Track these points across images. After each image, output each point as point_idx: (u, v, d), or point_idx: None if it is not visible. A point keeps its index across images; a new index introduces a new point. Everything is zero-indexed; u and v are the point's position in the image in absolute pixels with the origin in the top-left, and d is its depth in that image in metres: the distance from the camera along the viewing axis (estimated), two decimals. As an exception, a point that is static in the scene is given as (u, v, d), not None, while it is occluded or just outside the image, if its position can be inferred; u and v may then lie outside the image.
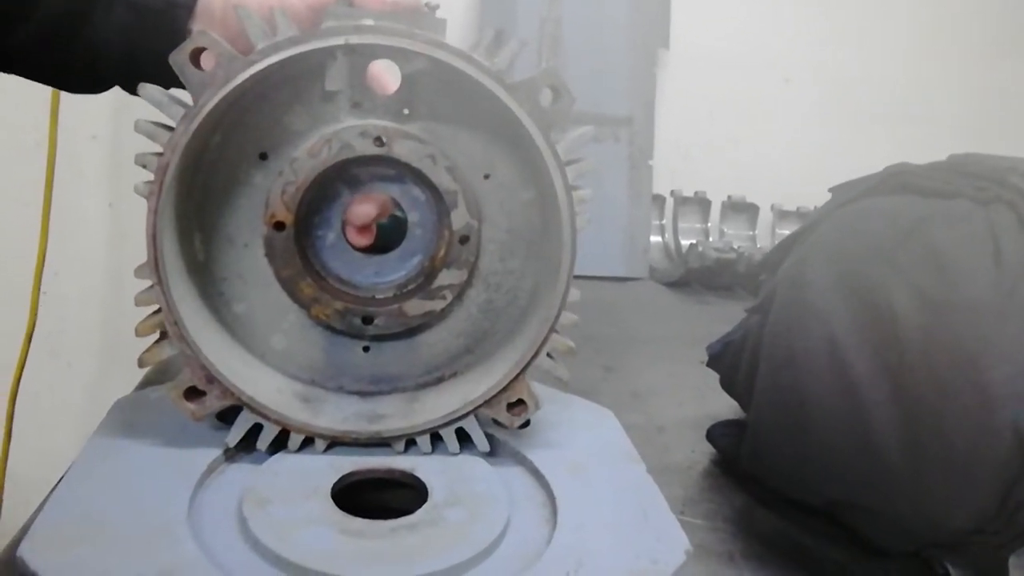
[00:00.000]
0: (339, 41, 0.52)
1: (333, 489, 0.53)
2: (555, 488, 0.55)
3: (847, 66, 1.71)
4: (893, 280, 0.52)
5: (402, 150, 0.56)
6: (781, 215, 1.50)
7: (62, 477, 0.52)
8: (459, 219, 0.58)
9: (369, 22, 0.53)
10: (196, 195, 0.57)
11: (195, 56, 0.51)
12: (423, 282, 0.60)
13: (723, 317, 0.81)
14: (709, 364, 0.78)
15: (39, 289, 1.42)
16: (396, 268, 0.62)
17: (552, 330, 0.58)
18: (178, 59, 0.51)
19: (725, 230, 1.51)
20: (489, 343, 0.62)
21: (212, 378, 0.55)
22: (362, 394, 0.61)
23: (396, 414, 0.59)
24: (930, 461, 0.50)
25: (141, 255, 0.54)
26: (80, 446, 0.56)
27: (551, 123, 0.55)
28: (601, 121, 1.39)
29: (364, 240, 0.59)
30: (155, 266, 0.53)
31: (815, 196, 1.24)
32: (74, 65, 0.63)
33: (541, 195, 0.59)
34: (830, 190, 0.65)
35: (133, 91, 0.56)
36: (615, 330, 1.11)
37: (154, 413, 0.60)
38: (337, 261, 0.61)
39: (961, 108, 1.76)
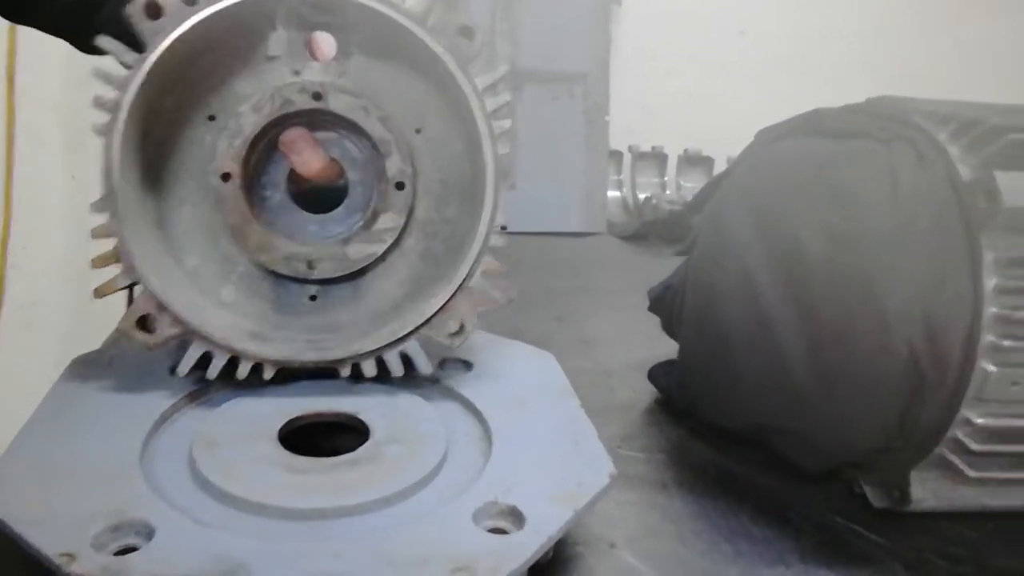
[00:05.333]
0: None
1: (280, 432, 0.56)
2: (491, 423, 0.58)
3: (803, 18, 1.73)
4: (801, 216, 0.55)
5: (337, 103, 0.60)
6: (737, 167, 1.53)
7: (22, 427, 0.54)
8: (393, 166, 0.62)
9: None
10: (150, 152, 0.61)
11: (148, 7, 0.56)
12: (364, 226, 0.64)
13: (676, 267, 0.84)
14: (651, 308, 0.81)
15: (5, 264, 1.43)
16: (339, 223, 0.65)
17: (484, 249, 0.62)
18: (132, 11, 0.56)
19: (682, 183, 1.54)
20: (429, 290, 0.65)
21: (162, 306, 0.58)
22: (310, 342, 0.64)
23: (342, 344, 0.63)
24: (837, 384, 0.54)
25: None
26: None
27: (468, 59, 0.60)
28: (556, 78, 1.41)
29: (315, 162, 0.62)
30: (109, 197, 0.57)
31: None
32: None
33: (470, 147, 0.62)
34: (756, 134, 0.68)
35: (81, 45, 0.62)
36: (570, 283, 1.15)
37: (111, 368, 0.62)
38: (283, 219, 0.64)
39: (922, 61, 1.78)
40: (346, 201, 0.65)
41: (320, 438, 0.60)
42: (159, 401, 0.58)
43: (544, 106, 1.39)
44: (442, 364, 0.67)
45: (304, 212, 0.65)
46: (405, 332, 0.62)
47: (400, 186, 0.62)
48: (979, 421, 0.51)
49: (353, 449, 0.55)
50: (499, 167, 0.61)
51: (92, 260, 0.59)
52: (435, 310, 0.62)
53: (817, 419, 0.56)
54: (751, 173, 0.61)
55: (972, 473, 0.52)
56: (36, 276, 1.58)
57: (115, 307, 1.45)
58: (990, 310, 0.50)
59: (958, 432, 0.52)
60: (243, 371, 0.60)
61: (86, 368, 0.63)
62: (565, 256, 1.29)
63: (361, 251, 0.63)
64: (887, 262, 0.51)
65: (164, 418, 0.57)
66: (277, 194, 0.64)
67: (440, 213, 0.65)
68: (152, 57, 0.56)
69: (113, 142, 0.57)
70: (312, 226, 0.65)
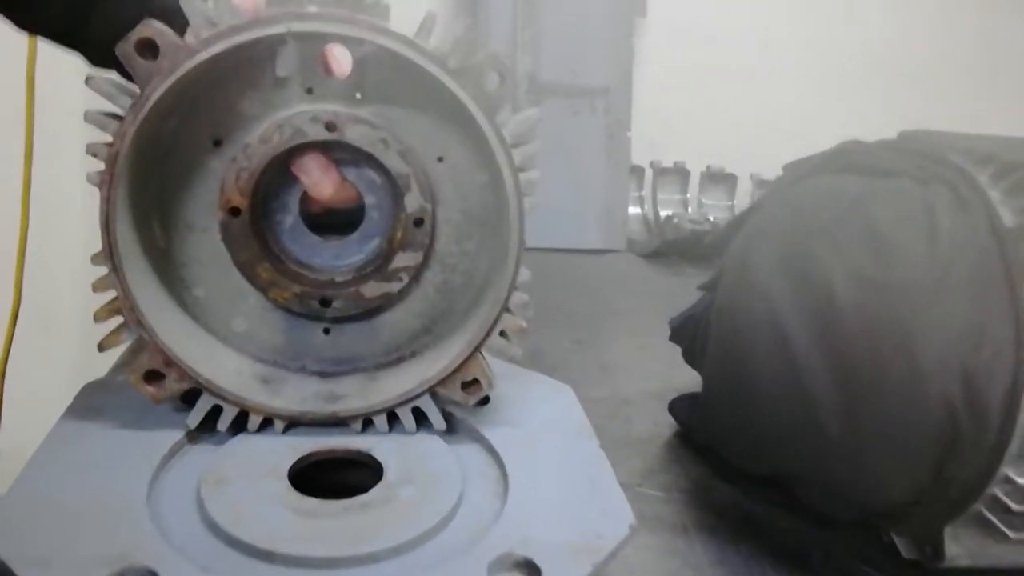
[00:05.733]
0: (281, 29, 0.53)
1: (291, 470, 0.54)
2: (508, 464, 0.56)
3: (826, 31, 1.70)
4: (832, 258, 0.53)
5: (354, 135, 0.57)
6: (760, 184, 1.50)
7: (28, 462, 0.53)
8: (413, 202, 0.59)
9: (313, 8, 0.53)
10: (154, 182, 0.58)
11: (140, 46, 0.52)
12: (380, 264, 0.61)
13: (697, 289, 0.82)
14: (672, 338, 0.79)
15: (23, 266, 1.43)
16: (354, 251, 0.63)
17: (504, 310, 0.59)
18: (124, 49, 0.51)
19: (704, 200, 1.51)
20: (447, 322, 0.63)
21: (170, 361, 0.56)
22: (323, 375, 0.63)
23: (354, 394, 0.60)
24: (868, 435, 0.52)
25: None
26: None
27: (496, 107, 0.56)
28: (578, 92, 1.39)
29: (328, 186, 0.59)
30: (109, 253, 0.55)
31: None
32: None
33: (494, 178, 0.60)
34: (783, 168, 0.66)
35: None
36: (588, 303, 1.13)
37: (120, 397, 0.61)
38: (296, 245, 0.62)
39: (944, 72, 1.75)
40: (362, 226, 0.62)
41: (332, 472, 0.58)
42: (168, 434, 0.57)
43: (565, 120, 1.38)
44: (458, 397, 0.65)
45: (318, 237, 0.62)
46: (419, 392, 0.60)
47: (419, 222, 0.60)
48: (1021, 480, 0.49)
49: (365, 486, 0.53)
50: (523, 224, 0.59)
51: (94, 313, 0.57)
52: (450, 371, 0.59)
53: (846, 470, 0.54)
54: (778, 212, 0.59)
55: (1012, 534, 0.50)
56: (53, 281, 1.58)
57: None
58: (1033, 364, 0.48)
59: (997, 490, 0.50)
60: (253, 425, 0.58)
61: (96, 396, 0.61)
62: (584, 275, 1.27)
63: (376, 290, 0.61)
64: (924, 311, 0.49)
65: (172, 453, 0.56)
66: (289, 217, 0.61)
67: (460, 245, 0.62)
68: (147, 105, 0.52)
69: (111, 196, 0.54)
70: (327, 252, 0.63)
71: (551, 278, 1.23)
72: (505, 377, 0.70)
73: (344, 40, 0.55)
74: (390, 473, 0.55)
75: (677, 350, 0.83)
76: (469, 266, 0.63)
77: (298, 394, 0.60)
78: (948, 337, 0.48)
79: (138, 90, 0.53)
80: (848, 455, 0.53)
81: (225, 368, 0.59)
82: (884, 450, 0.52)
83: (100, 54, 0.60)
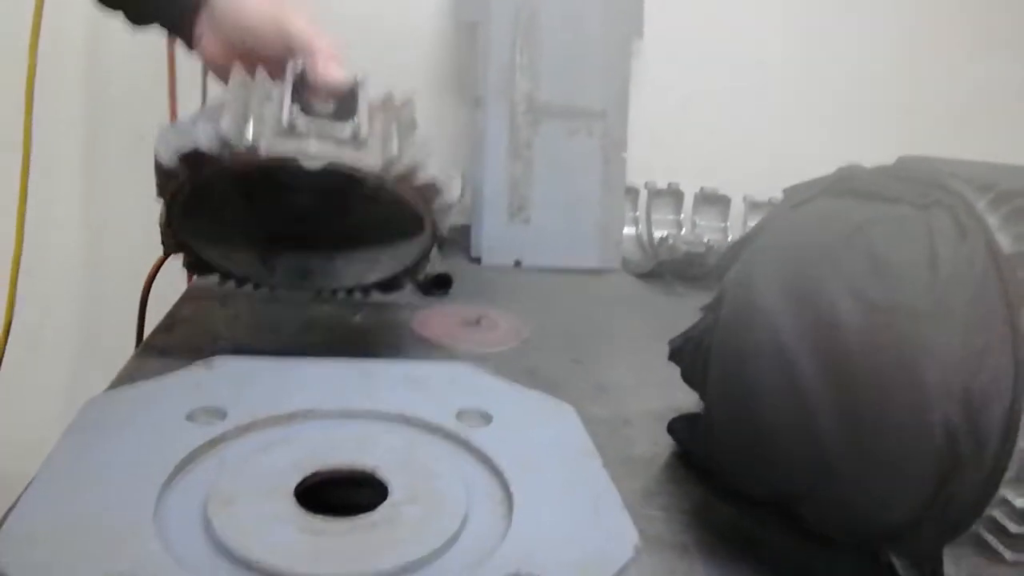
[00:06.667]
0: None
1: (297, 488, 0.55)
2: (512, 484, 0.56)
3: (824, 53, 1.72)
4: (835, 283, 0.54)
5: None
6: (753, 206, 1.52)
7: (33, 479, 0.53)
8: None
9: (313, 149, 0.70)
10: None
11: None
12: None
13: (692, 309, 0.83)
14: (671, 358, 0.80)
15: (16, 284, 1.42)
16: None
17: None
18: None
19: (698, 222, 1.52)
20: None
21: None
22: None
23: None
24: (870, 457, 0.53)
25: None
26: (60, 436, 0.58)
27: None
28: (575, 114, 1.40)
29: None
30: None
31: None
32: None
33: None
34: (783, 191, 0.67)
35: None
36: (584, 323, 1.13)
37: (125, 413, 0.61)
38: None
39: (942, 99, 1.77)
40: None
41: (337, 490, 0.58)
42: (174, 450, 0.57)
43: (561, 141, 1.39)
44: (460, 415, 0.66)
45: None
46: None
47: None
48: (1018, 503, 0.50)
49: (370, 504, 0.54)
50: None
51: None
52: None
53: (848, 491, 0.55)
54: (781, 235, 0.60)
55: (1009, 555, 0.50)
56: (47, 297, 1.58)
57: (124, 331, 1.44)
58: (1031, 388, 0.49)
59: (995, 512, 0.50)
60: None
61: (99, 412, 0.61)
62: (580, 293, 1.28)
63: None
64: (925, 335, 0.50)
65: (179, 469, 0.56)
66: None
67: None
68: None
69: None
70: None
71: (547, 297, 1.24)
72: (508, 395, 0.70)
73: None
74: (395, 492, 0.55)
75: (675, 369, 0.83)
76: None
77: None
78: (949, 361, 0.49)
79: None
80: (850, 477, 0.54)
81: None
82: (885, 472, 0.52)
83: (138, 12, 0.82)
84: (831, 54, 1.72)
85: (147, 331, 1.39)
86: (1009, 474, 0.49)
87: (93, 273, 1.59)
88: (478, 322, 1.06)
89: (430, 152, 0.76)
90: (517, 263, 1.36)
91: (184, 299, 1.04)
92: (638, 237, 1.53)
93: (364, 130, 0.71)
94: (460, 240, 1.40)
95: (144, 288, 1.41)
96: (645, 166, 1.55)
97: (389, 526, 0.51)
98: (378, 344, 0.96)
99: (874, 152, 1.60)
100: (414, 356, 0.95)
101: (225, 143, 0.68)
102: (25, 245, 1.40)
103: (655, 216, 1.51)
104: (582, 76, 1.41)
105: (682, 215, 1.53)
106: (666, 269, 1.36)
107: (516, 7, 1.39)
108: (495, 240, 1.37)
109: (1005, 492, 0.50)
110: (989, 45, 1.77)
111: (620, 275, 1.40)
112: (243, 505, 0.52)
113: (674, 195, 1.52)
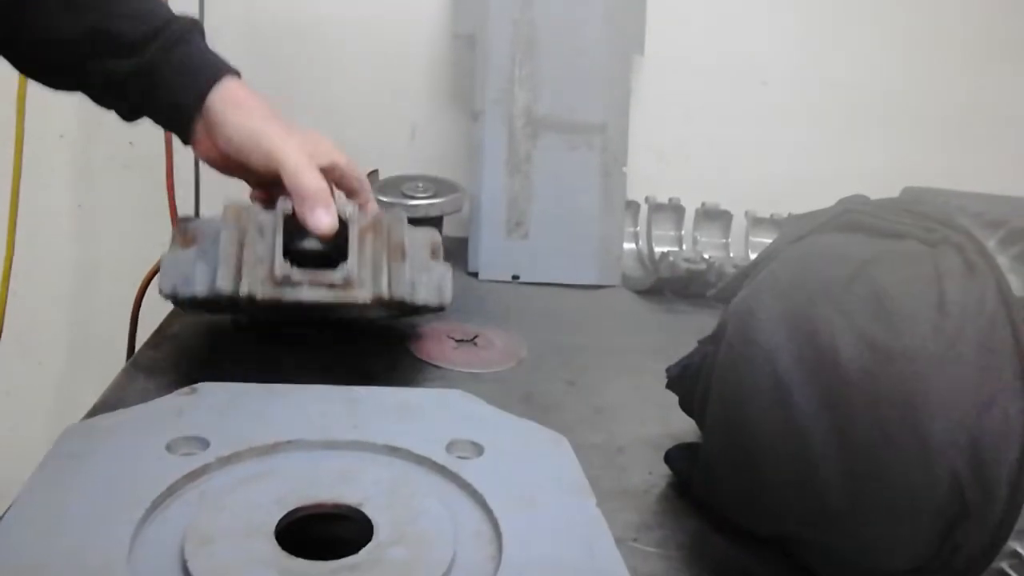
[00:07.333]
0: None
1: (278, 526, 0.53)
2: (502, 524, 0.55)
3: (825, 69, 1.70)
4: (838, 322, 0.52)
5: None
6: (755, 222, 1.50)
7: (4, 514, 0.51)
8: None
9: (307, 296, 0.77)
10: None
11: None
12: None
13: (693, 327, 0.81)
14: (669, 386, 0.78)
15: (8, 288, 1.41)
16: None
17: None
18: None
19: (699, 237, 1.50)
20: None
21: None
22: None
23: None
24: (871, 503, 0.51)
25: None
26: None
27: None
28: (575, 128, 1.38)
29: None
30: None
31: (792, 202, 1.24)
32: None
33: None
34: (784, 223, 0.65)
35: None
36: (581, 340, 1.11)
37: (102, 444, 0.59)
38: None
39: (944, 113, 1.75)
40: None
41: (319, 526, 0.57)
42: (152, 484, 0.55)
43: (561, 156, 1.37)
44: (450, 446, 0.64)
45: None
46: None
47: None
48: (1028, 556, 0.48)
49: (353, 541, 0.52)
50: None
51: None
52: None
53: (848, 536, 0.53)
54: (783, 270, 0.58)
55: (1019, 609, 0.49)
56: (37, 302, 1.56)
57: (113, 341, 1.42)
58: (1041, 436, 0.47)
59: (1004, 564, 0.48)
60: None
61: (76, 442, 0.60)
62: (578, 310, 1.26)
63: None
64: (931, 380, 0.48)
65: (156, 505, 0.54)
66: None
67: None
68: None
69: None
70: None
71: (544, 313, 1.22)
72: (500, 426, 0.69)
73: None
74: (380, 532, 0.53)
75: (672, 393, 0.82)
76: None
77: None
78: (955, 407, 0.47)
79: None
80: (850, 522, 0.52)
81: None
82: (887, 519, 0.50)
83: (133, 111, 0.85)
84: (833, 70, 1.70)
85: (139, 338, 1.38)
86: (1019, 525, 0.47)
87: (85, 281, 1.57)
88: (474, 340, 1.04)
89: (422, 268, 0.84)
90: (515, 277, 1.34)
91: (175, 312, 1.02)
92: (638, 252, 1.51)
93: (355, 273, 0.76)
94: (458, 254, 1.38)
95: (137, 296, 1.39)
96: (645, 181, 1.53)
97: (374, 570, 0.50)
98: (373, 362, 0.95)
99: (877, 167, 1.57)
100: (408, 375, 0.93)
101: (220, 294, 0.74)
102: (16, 253, 1.38)
103: (655, 231, 1.49)
104: (582, 89, 1.39)
105: (683, 231, 1.50)
106: (666, 285, 1.34)
107: (515, 20, 1.37)
108: (493, 254, 1.35)
109: (1014, 544, 0.48)
110: (989, 59, 1.75)
111: (620, 291, 1.38)
112: (221, 545, 0.50)
113: (675, 210, 1.50)
